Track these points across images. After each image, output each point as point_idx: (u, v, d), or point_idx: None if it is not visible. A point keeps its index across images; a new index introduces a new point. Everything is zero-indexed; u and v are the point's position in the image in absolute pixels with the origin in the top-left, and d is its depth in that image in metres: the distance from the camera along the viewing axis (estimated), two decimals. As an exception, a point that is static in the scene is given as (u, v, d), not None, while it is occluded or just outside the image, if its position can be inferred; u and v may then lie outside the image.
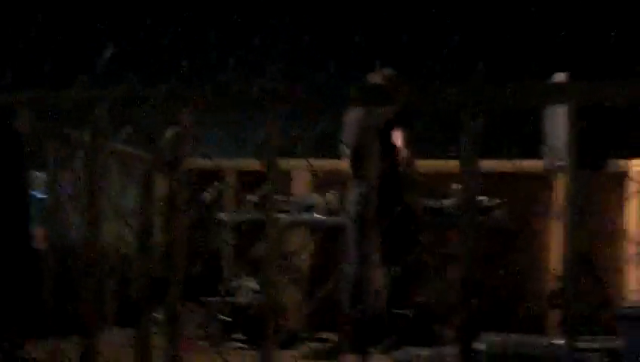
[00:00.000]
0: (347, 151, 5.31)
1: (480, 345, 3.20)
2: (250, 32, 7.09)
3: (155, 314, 3.92)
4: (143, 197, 3.38)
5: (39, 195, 5.66)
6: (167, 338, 3.25)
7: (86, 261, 3.44)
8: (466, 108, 3.08)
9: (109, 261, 5.64)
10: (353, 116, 5.16)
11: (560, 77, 4.71)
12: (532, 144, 5.57)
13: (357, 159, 5.13)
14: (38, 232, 5.75)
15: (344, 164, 5.39)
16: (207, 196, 6.18)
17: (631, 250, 5.83)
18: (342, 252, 5.43)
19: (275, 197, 3.31)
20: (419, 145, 5.41)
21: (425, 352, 3.61)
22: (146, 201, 3.37)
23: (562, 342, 3.43)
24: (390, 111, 4.87)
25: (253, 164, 6.45)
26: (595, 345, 3.48)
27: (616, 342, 3.51)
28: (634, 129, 5.32)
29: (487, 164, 5.87)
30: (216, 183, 6.48)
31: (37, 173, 5.47)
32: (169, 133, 3.38)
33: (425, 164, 5.82)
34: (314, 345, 5.14)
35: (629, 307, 4.33)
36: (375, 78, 5.11)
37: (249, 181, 6.76)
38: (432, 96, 3.21)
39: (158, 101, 3.35)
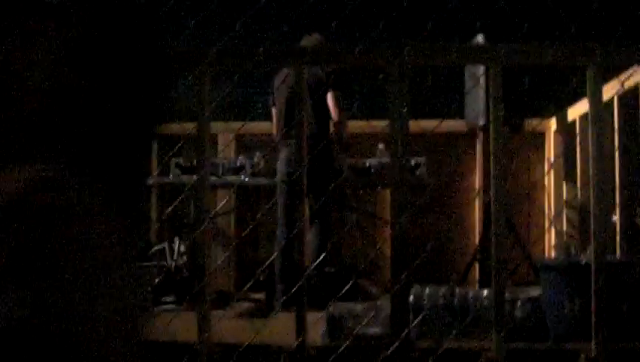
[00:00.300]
0: (276, 113, 5.36)
1: (408, 297, 3.31)
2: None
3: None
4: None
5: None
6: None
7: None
8: (393, 69, 3.18)
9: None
10: (282, 78, 5.20)
11: (480, 39, 4.83)
12: (455, 105, 5.71)
13: (287, 120, 5.19)
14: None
15: (273, 126, 5.44)
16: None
17: (549, 207, 6.06)
18: (269, 213, 5.50)
19: (209, 159, 3.36)
20: (350, 106, 5.50)
21: (357, 306, 3.72)
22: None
23: (486, 292, 3.60)
24: (321, 72, 4.93)
25: (176, 128, 6.45)
26: (517, 295, 3.64)
27: (536, 292, 3.68)
28: (551, 90, 5.49)
29: (412, 124, 6.01)
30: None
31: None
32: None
33: (352, 125, 5.92)
34: (245, 304, 5.22)
35: (548, 258, 4.54)
36: (306, 43, 5.16)
37: (171, 144, 6.75)
38: (360, 58, 3.30)
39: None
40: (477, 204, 6.20)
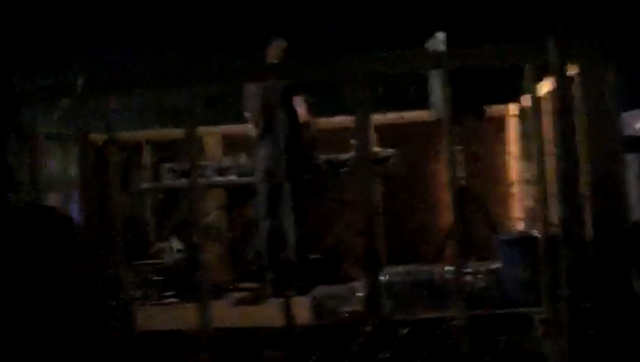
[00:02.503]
0: (250, 118, 5.80)
1: (383, 277, 3.75)
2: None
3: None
4: (85, 175, 3.80)
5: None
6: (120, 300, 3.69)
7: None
8: (354, 80, 3.61)
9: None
10: (254, 85, 5.64)
11: (439, 37, 5.22)
12: (422, 97, 6.09)
13: (262, 123, 5.62)
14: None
15: (250, 129, 5.88)
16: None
17: (513, 185, 6.50)
18: (256, 208, 5.92)
19: (198, 162, 3.78)
20: (322, 105, 5.90)
21: (338, 288, 4.15)
22: (92, 178, 3.79)
23: (450, 267, 4.05)
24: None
25: (165, 134, 6.85)
26: (479, 268, 4.08)
27: (497, 264, 4.12)
28: (509, 77, 5.91)
29: (382, 118, 6.43)
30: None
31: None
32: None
33: (328, 122, 6.32)
34: (238, 294, 5.62)
35: (506, 233, 4.98)
36: (273, 50, 5.57)
37: (162, 150, 7.16)
38: (323, 69, 3.73)
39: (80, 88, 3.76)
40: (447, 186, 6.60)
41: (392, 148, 6.03)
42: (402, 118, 6.37)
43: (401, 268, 4.09)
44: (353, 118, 3.66)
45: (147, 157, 7.14)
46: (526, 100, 6.01)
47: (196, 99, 3.74)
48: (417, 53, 3.82)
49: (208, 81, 3.79)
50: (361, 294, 3.91)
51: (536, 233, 4.10)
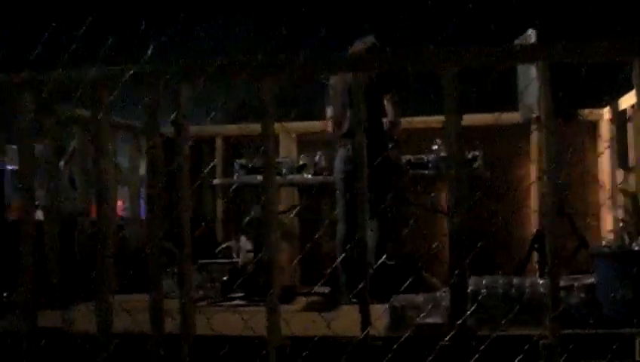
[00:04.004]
0: (332, 113, 5.54)
1: (467, 287, 3.45)
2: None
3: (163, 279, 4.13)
4: (150, 169, 3.60)
5: (11, 167, 5.84)
6: (180, 300, 3.47)
7: (94, 230, 3.66)
8: (445, 70, 3.32)
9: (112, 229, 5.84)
10: (337, 79, 5.37)
11: (531, 34, 4.92)
12: (509, 97, 5.79)
13: (344, 121, 5.36)
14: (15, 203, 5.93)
15: (329, 125, 5.62)
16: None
17: (604, 194, 6.12)
18: (331, 209, 5.67)
19: (274, 160, 3.54)
20: (406, 104, 5.63)
21: (419, 297, 3.87)
22: (154, 173, 3.59)
23: (542, 280, 3.72)
24: (374, 73, 5.05)
25: (239, 129, 6.66)
26: (573, 283, 3.75)
27: (591, 279, 3.78)
28: (604, 80, 5.55)
29: (467, 118, 6.12)
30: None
31: (10, 146, 5.64)
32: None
33: (412, 121, 6.05)
34: (310, 298, 5.39)
35: (602, 246, 4.62)
36: (359, 45, 5.31)
37: (235, 146, 6.99)
38: (413, 59, 3.45)
39: (160, 76, 3.56)
40: (533, 194, 6.29)
41: (477, 150, 5.73)
42: (489, 119, 6.05)
43: (489, 279, 3.78)
44: (436, 118, 3.37)
45: (220, 153, 6.99)
46: (625, 102, 5.65)
47: (273, 91, 3.49)
48: (518, 46, 3.50)
49: (291, 72, 3.53)
50: (443, 305, 3.62)
51: (636, 247, 3.74)
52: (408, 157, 5.82)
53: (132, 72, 3.52)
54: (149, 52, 3.50)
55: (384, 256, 4.96)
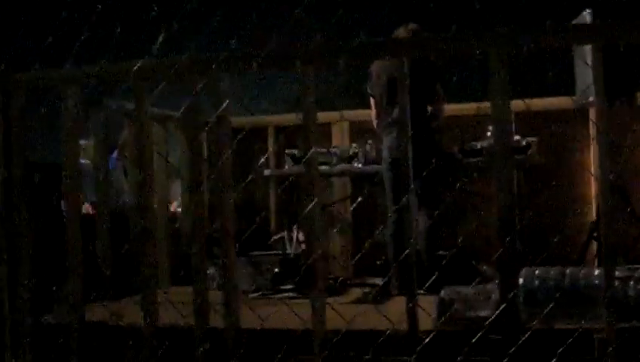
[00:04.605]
0: (375, 102, 5.45)
1: (519, 279, 3.34)
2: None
3: (209, 271, 4.10)
4: (190, 159, 3.56)
5: (84, 162, 5.87)
6: (224, 293, 3.43)
7: (139, 223, 3.63)
8: (492, 52, 3.19)
9: (162, 222, 5.84)
10: (379, 65, 5.27)
11: (585, 15, 4.76)
12: (565, 81, 5.62)
13: (388, 108, 5.26)
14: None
15: (372, 113, 5.53)
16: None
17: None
18: (383, 199, 5.58)
19: (314, 150, 3.46)
20: (455, 90, 5.51)
21: (469, 290, 3.76)
22: (194, 163, 3.54)
23: (597, 271, 3.58)
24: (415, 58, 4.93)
25: (291, 119, 6.60)
26: (631, 274, 3.59)
27: (652, 270, 3.62)
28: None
29: (521, 104, 5.96)
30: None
31: (83, 141, 5.66)
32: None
33: (465, 108, 5.92)
34: (362, 290, 5.32)
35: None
36: (402, 32, 5.21)
37: (288, 136, 6.93)
38: (459, 42, 3.33)
39: (199, 67, 3.51)
40: (592, 181, 6.09)
41: (533, 136, 5.57)
42: (544, 104, 5.88)
43: (541, 270, 3.64)
44: (489, 104, 3.24)
45: (272, 143, 6.94)
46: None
47: (315, 79, 3.41)
48: (572, 25, 3.34)
49: (334, 57, 3.44)
50: (494, 297, 3.50)
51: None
52: (461, 145, 5.69)
53: (181, 61, 3.48)
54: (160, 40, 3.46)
55: (434, 245, 4.85)
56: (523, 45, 3.23)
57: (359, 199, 5.94)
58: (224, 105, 3.52)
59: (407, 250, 3.32)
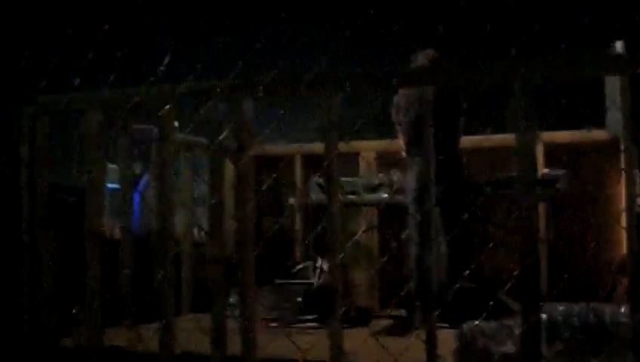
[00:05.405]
0: (400, 132, 5.40)
1: (543, 315, 3.25)
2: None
3: (230, 299, 4.06)
4: (213, 185, 3.53)
5: (112, 187, 5.87)
6: (242, 321, 3.39)
7: (160, 249, 3.61)
8: (517, 82, 3.13)
9: (183, 248, 5.82)
10: (405, 95, 5.22)
11: (618, 45, 4.69)
12: (598, 113, 5.55)
13: (412, 137, 5.21)
14: (110, 222, 5.97)
15: (398, 144, 5.48)
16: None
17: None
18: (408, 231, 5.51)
19: (338, 179, 3.42)
20: (485, 121, 5.45)
21: (490, 324, 3.67)
22: (216, 189, 3.52)
23: (624, 309, 3.48)
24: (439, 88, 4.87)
25: (318, 148, 6.56)
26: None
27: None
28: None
29: (551, 136, 5.88)
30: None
31: (111, 165, 5.67)
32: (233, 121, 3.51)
33: (495, 139, 5.86)
34: (385, 322, 5.24)
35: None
36: (420, 58, 5.16)
37: (315, 164, 6.89)
38: (486, 72, 3.27)
39: (224, 92, 3.49)
40: (624, 215, 5.97)
41: (563, 169, 5.48)
42: (576, 136, 5.80)
43: (565, 306, 3.55)
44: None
45: (299, 172, 6.90)
46: None
47: (336, 107, 3.38)
48: (601, 55, 3.27)
49: (352, 86, 3.41)
50: (516, 332, 3.41)
51: None
52: (489, 177, 5.62)
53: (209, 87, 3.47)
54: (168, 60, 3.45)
55: (459, 277, 4.77)
56: (547, 76, 3.17)
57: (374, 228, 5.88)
58: (249, 131, 3.51)
59: (426, 284, 3.26)
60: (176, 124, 3.99)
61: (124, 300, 4.93)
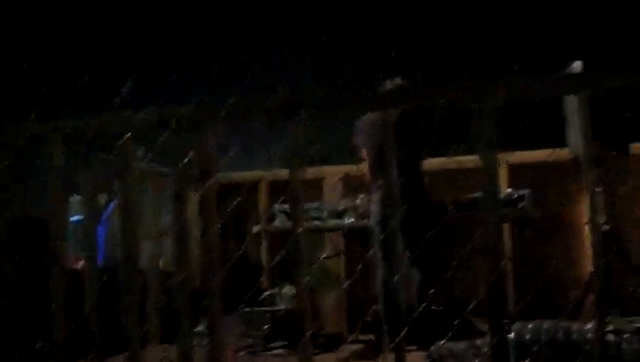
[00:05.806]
0: (363, 155, 5.42)
1: (511, 334, 3.26)
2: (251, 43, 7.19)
3: (197, 328, 4.02)
4: (177, 214, 3.49)
5: (76, 218, 5.81)
6: (209, 351, 3.35)
7: (125, 280, 3.56)
8: (481, 102, 3.15)
9: (148, 279, 5.76)
10: (367, 119, 5.25)
11: (576, 66, 4.74)
12: (558, 133, 5.59)
13: (376, 160, 5.22)
14: (73, 255, 5.89)
15: (362, 168, 5.50)
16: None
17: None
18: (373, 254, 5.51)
19: (303, 205, 3.40)
20: (443, 142, 5.47)
21: (459, 344, 3.67)
22: (180, 216, 3.48)
23: (590, 325, 3.49)
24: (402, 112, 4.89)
25: (283, 174, 6.55)
26: (624, 327, 3.51)
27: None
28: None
29: (515, 156, 5.93)
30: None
31: (74, 197, 5.61)
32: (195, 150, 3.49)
33: (462, 161, 5.88)
34: (354, 346, 5.22)
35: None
36: (389, 86, 5.21)
37: (280, 190, 6.87)
38: (452, 93, 3.29)
39: (185, 120, 3.47)
40: (587, 233, 6.02)
41: (527, 188, 5.52)
42: (538, 155, 5.85)
43: (533, 324, 3.56)
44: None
45: (263, 198, 6.89)
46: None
47: (301, 132, 3.37)
48: (564, 76, 3.30)
49: (317, 110, 3.40)
50: (485, 352, 3.41)
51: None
52: (454, 198, 5.65)
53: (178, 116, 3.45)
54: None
55: (427, 300, 4.78)
56: (505, 97, 3.19)
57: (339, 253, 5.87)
58: (212, 159, 3.49)
59: (397, 305, 3.25)
60: (140, 152, 3.96)
61: (90, 333, 4.86)
